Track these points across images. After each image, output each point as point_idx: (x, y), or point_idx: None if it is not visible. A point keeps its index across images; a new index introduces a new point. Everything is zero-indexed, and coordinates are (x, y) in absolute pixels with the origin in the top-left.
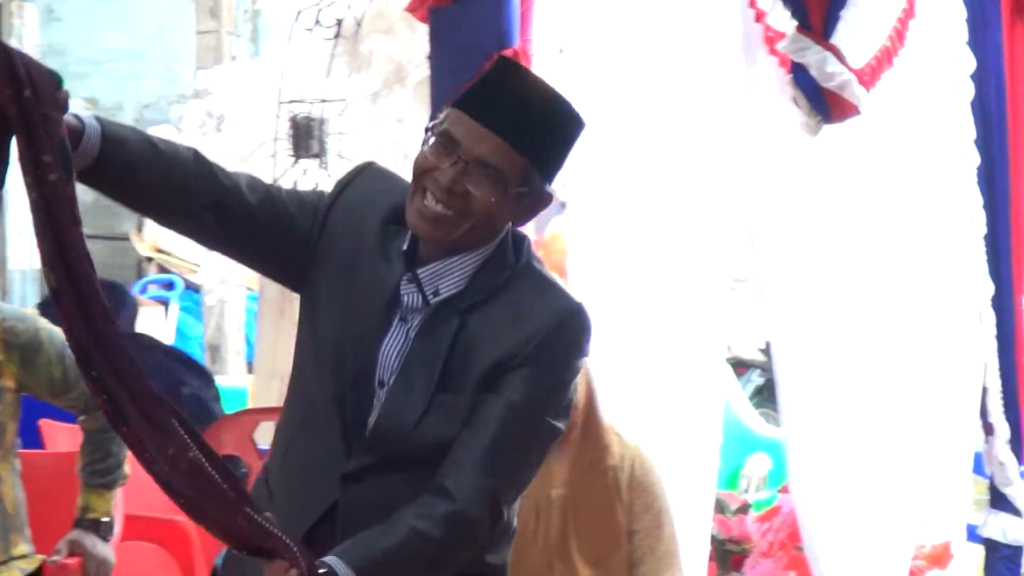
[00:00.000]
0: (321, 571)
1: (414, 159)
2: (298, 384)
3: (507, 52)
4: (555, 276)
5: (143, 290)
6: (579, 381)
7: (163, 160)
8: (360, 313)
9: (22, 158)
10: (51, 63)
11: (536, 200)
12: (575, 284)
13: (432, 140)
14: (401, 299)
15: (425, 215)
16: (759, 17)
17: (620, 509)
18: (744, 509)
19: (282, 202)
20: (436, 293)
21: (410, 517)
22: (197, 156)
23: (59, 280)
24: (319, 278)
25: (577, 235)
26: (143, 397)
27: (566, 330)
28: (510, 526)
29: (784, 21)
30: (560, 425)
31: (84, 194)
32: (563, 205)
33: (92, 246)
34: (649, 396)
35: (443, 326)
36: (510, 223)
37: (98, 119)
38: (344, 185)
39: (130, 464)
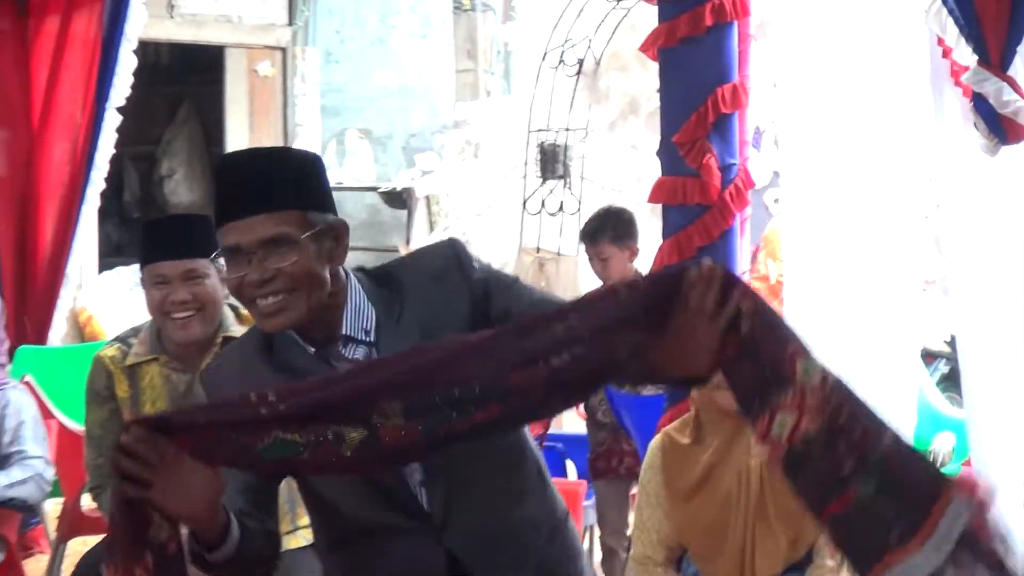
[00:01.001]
0: None
1: (228, 289)
2: (324, 522)
3: (726, 86)
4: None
5: None
6: None
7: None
8: None
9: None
10: (330, 99)
11: (332, 233)
12: (790, 289)
13: (224, 265)
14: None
15: (268, 313)
16: (946, 53)
17: None
18: None
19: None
20: (367, 331)
21: None
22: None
23: None
24: None
25: (791, 246)
26: None
27: (460, 250)
28: None
29: (967, 56)
30: None
31: (359, 212)
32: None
33: (364, 257)
34: (854, 383)
35: (401, 337)
36: (330, 264)
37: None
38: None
39: None
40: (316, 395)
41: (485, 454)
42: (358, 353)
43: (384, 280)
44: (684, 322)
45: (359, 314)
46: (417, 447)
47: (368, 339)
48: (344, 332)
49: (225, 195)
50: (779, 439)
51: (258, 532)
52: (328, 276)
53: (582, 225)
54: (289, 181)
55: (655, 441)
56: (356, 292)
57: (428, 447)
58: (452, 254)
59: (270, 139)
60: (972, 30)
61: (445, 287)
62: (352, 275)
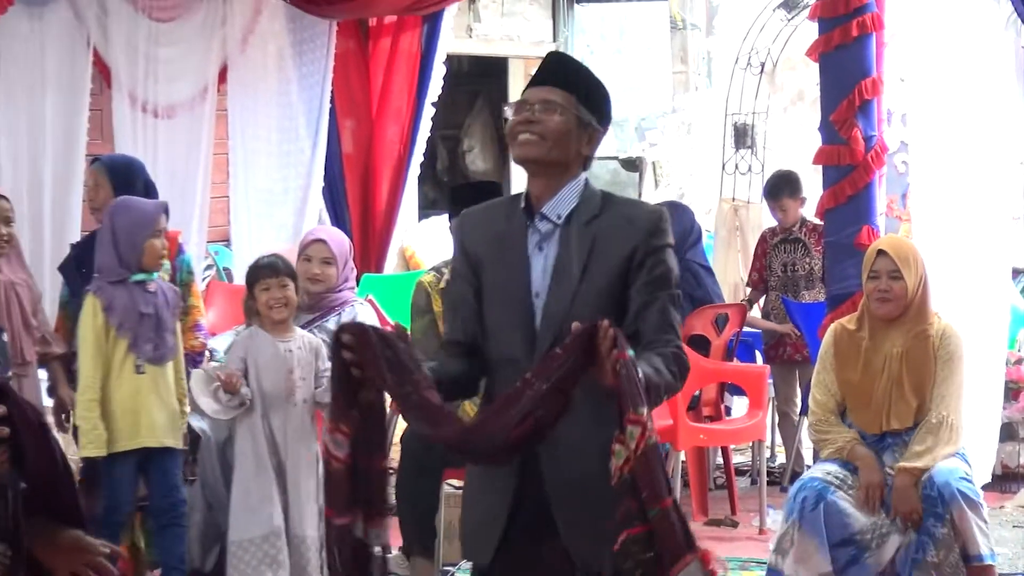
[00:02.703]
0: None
1: (505, 130)
2: (488, 341)
3: (868, 79)
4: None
5: None
6: (916, 282)
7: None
8: (508, 266)
9: (396, 388)
10: None
11: (590, 129)
12: (917, 222)
13: (512, 112)
14: (531, 239)
15: (520, 143)
16: None
17: (932, 360)
18: (1019, 361)
19: (467, 295)
20: (559, 216)
21: (655, 353)
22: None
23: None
24: (482, 276)
25: (917, 194)
26: None
27: (662, 223)
28: None
29: None
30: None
31: (603, 174)
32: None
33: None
34: (972, 291)
35: (577, 236)
36: (578, 148)
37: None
38: (459, 231)
39: None
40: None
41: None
42: (545, 228)
43: (604, 195)
44: (600, 359)
45: (562, 201)
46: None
47: (557, 222)
48: (542, 211)
49: (538, 72)
50: (630, 446)
51: (455, 376)
52: (571, 154)
53: (765, 182)
54: (582, 81)
55: (832, 327)
56: (575, 185)
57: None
58: (652, 218)
59: None
60: None
61: (629, 231)
62: (585, 177)
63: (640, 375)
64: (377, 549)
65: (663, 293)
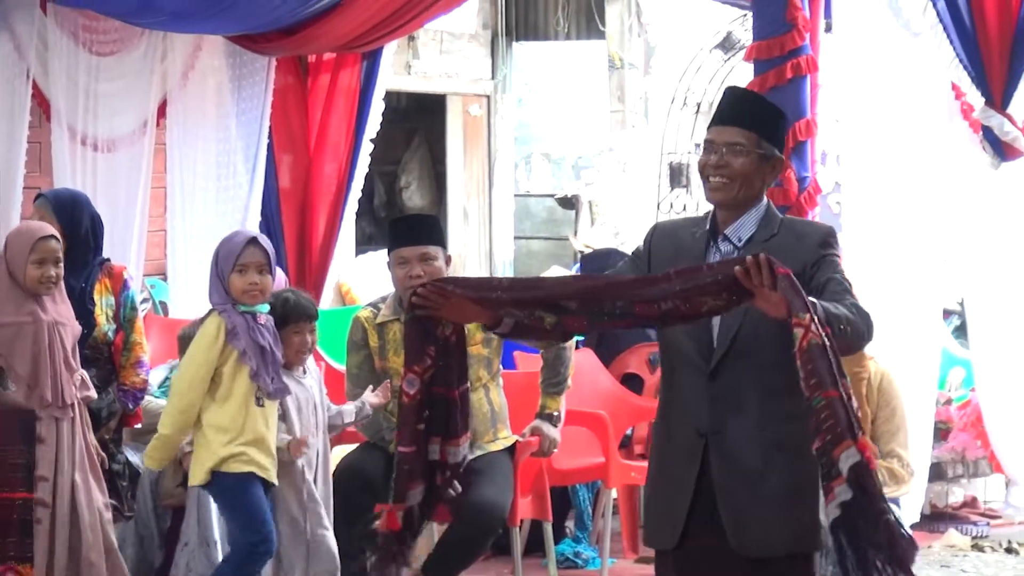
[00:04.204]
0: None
1: (698, 168)
2: (667, 346)
3: (802, 121)
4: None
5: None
6: None
7: None
8: None
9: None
10: (521, 132)
11: (773, 162)
12: (849, 263)
13: (702, 150)
14: (712, 257)
15: (711, 187)
16: (959, 96)
17: (868, 405)
18: (949, 402)
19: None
20: (740, 239)
21: (834, 301)
22: None
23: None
24: None
25: (851, 235)
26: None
27: (830, 237)
28: None
29: (976, 98)
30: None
31: (540, 212)
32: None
33: (545, 244)
34: (903, 332)
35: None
36: (761, 182)
37: None
38: (651, 236)
39: (572, 378)
40: (527, 293)
41: (767, 357)
42: (726, 248)
43: (783, 218)
44: (759, 292)
45: (744, 225)
46: (584, 330)
47: (738, 244)
48: (724, 232)
49: (721, 106)
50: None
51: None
52: (756, 189)
53: None
54: (763, 116)
55: None
56: (755, 212)
57: (590, 330)
58: (821, 233)
59: (478, 161)
60: (980, 79)
61: (800, 248)
62: (766, 201)
63: (814, 302)
64: (457, 460)
65: (837, 274)
